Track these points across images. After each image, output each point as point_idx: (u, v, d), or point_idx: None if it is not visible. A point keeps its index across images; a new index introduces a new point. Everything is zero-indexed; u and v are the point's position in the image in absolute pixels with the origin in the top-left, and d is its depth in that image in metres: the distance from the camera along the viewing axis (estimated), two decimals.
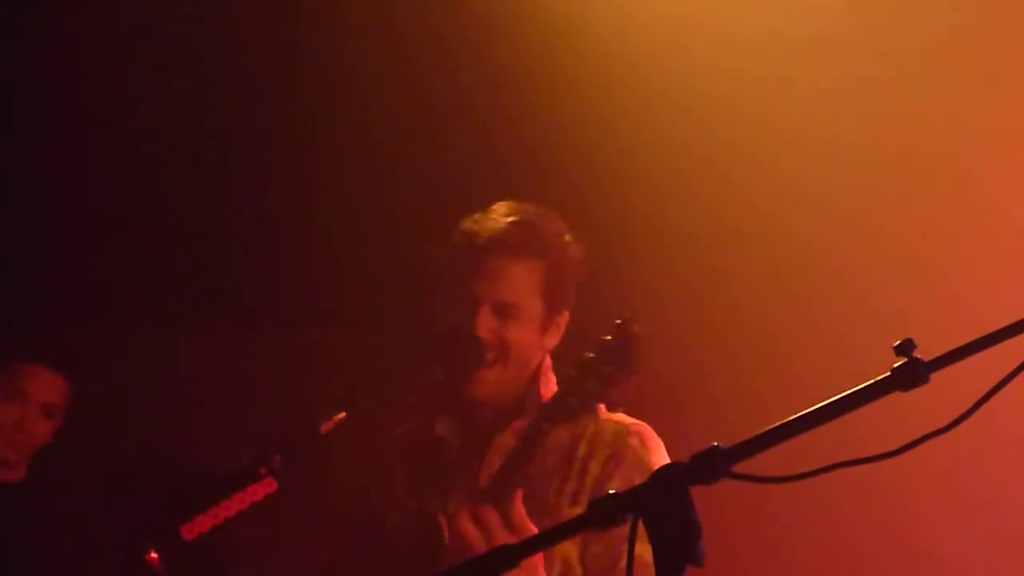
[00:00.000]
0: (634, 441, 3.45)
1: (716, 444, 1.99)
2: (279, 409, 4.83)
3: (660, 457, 3.46)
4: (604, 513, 2.02)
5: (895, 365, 1.95)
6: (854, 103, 4.77)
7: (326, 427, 3.45)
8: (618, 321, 3.22)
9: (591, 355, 3.21)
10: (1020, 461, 4.59)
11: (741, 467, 2.00)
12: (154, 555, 3.37)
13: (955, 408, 1.97)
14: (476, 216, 3.52)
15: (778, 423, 2.01)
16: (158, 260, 5.19)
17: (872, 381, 1.98)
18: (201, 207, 5.21)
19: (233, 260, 5.23)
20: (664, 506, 1.94)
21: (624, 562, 2.03)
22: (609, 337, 3.21)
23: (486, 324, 3.43)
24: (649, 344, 4.74)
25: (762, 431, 2.01)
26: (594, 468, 3.44)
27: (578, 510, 3.33)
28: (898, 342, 1.96)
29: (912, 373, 1.94)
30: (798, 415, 2.00)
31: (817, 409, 2.00)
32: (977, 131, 4.64)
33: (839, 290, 4.79)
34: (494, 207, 3.54)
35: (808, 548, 4.84)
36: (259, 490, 3.40)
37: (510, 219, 3.48)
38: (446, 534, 3.31)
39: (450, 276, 3.49)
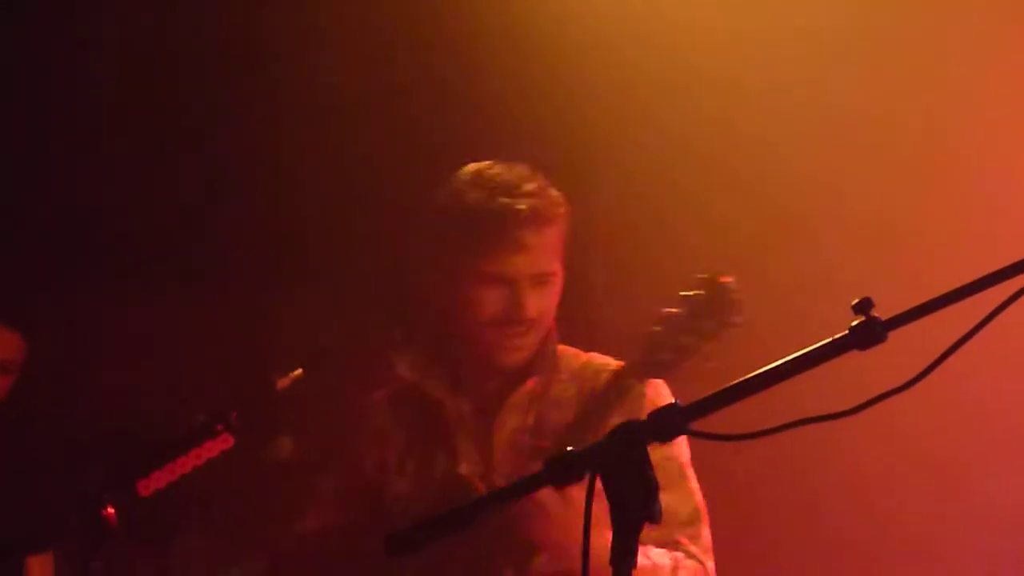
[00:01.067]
0: (650, 392, 3.41)
1: (674, 401, 2.00)
2: (239, 368, 4.80)
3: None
4: (562, 470, 2.02)
5: (853, 323, 1.95)
6: (820, 61, 4.76)
7: (282, 383, 3.45)
8: (702, 276, 3.20)
9: (677, 310, 3.18)
10: (988, 428, 4.62)
11: (698, 425, 2.00)
12: (111, 511, 3.36)
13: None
14: (488, 191, 3.42)
15: (736, 380, 2.01)
16: (119, 218, 5.15)
17: (830, 339, 1.97)
18: (163, 166, 5.17)
19: (194, 219, 5.19)
20: (621, 463, 1.94)
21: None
22: (698, 292, 3.18)
23: (531, 300, 3.40)
24: (608, 303, 4.74)
25: (720, 389, 2.01)
26: (615, 422, 3.41)
27: None
28: (856, 300, 1.95)
29: (870, 331, 1.94)
30: (756, 373, 2.00)
31: (775, 367, 2.00)
32: (941, 90, 4.65)
33: (799, 249, 4.79)
34: (492, 175, 3.46)
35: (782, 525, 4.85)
36: (215, 446, 3.40)
37: (530, 187, 3.42)
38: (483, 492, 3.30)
39: (475, 256, 3.40)
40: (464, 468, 3.41)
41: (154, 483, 3.36)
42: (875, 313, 1.94)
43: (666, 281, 3.48)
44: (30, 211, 5.14)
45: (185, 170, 5.16)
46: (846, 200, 4.76)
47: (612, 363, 3.49)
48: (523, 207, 3.39)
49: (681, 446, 3.47)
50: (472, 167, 3.53)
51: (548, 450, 3.28)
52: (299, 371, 3.46)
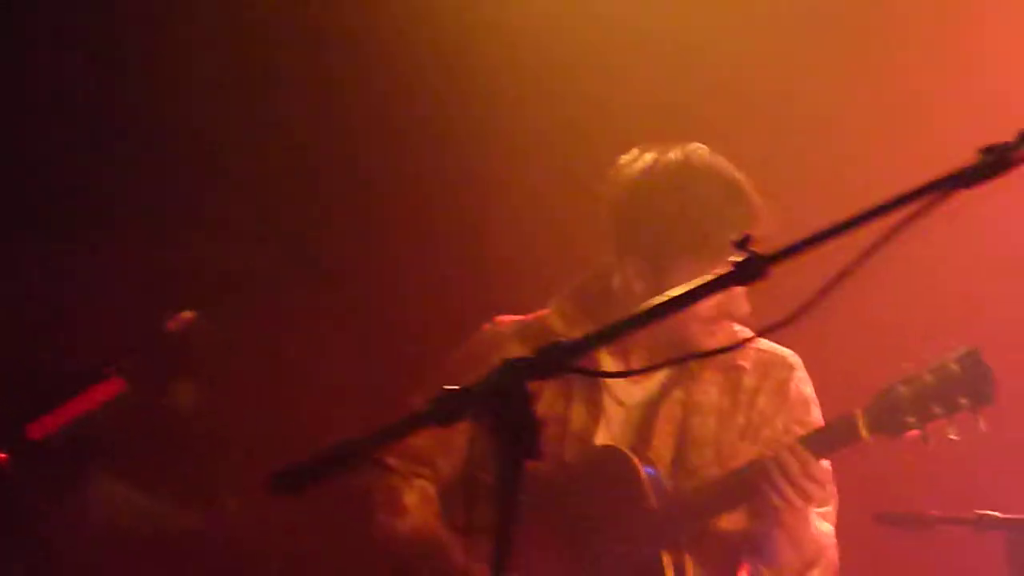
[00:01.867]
0: (797, 375, 3.43)
1: (558, 340, 1.99)
2: (132, 312, 4.75)
3: (812, 390, 3.45)
4: (447, 409, 2.00)
5: (735, 259, 1.95)
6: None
7: (172, 326, 3.43)
8: (963, 349, 3.15)
9: (932, 379, 3.14)
10: None
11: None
12: (2, 456, 3.33)
13: None
14: (721, 192, 3.33)
15: (621, 318, 2.02)
16: (29, 166, 5.08)
17: (713, 275, 1.98)
18: (80, 112, 5.09)
19: (110, 168, 5.13)
20: (504, 402, 1.93)
21: None
22: (953, 363, 3.13)
23: (744, 297, 3.31)
24: None
25: (602, 326, 2.02)
26: (762, 401, 3.41)
27: (748, 446, 3.37)
28: (737, 238, 1.96)
29: (751, 267, 1.95)
30: (640, 310, 2.01)
31: (660, 304, 2.01)
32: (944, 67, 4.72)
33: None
34: (720, 170, 3.37)
35: None
36: (106, 389, 3.37)
37: (747, 183, 3.36)
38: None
39: (703, 261, 3.21)
40: (610, 434, 3.40)
41: (44, 427, 3.33)
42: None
43: None
44: None
45: (105, 118, 5.09)
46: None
47: (780, 350, 3.45)
48: (752, 210, 3.31)
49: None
50: (684, 159, 3.40)
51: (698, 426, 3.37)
52: (190, 313, 3.44)
